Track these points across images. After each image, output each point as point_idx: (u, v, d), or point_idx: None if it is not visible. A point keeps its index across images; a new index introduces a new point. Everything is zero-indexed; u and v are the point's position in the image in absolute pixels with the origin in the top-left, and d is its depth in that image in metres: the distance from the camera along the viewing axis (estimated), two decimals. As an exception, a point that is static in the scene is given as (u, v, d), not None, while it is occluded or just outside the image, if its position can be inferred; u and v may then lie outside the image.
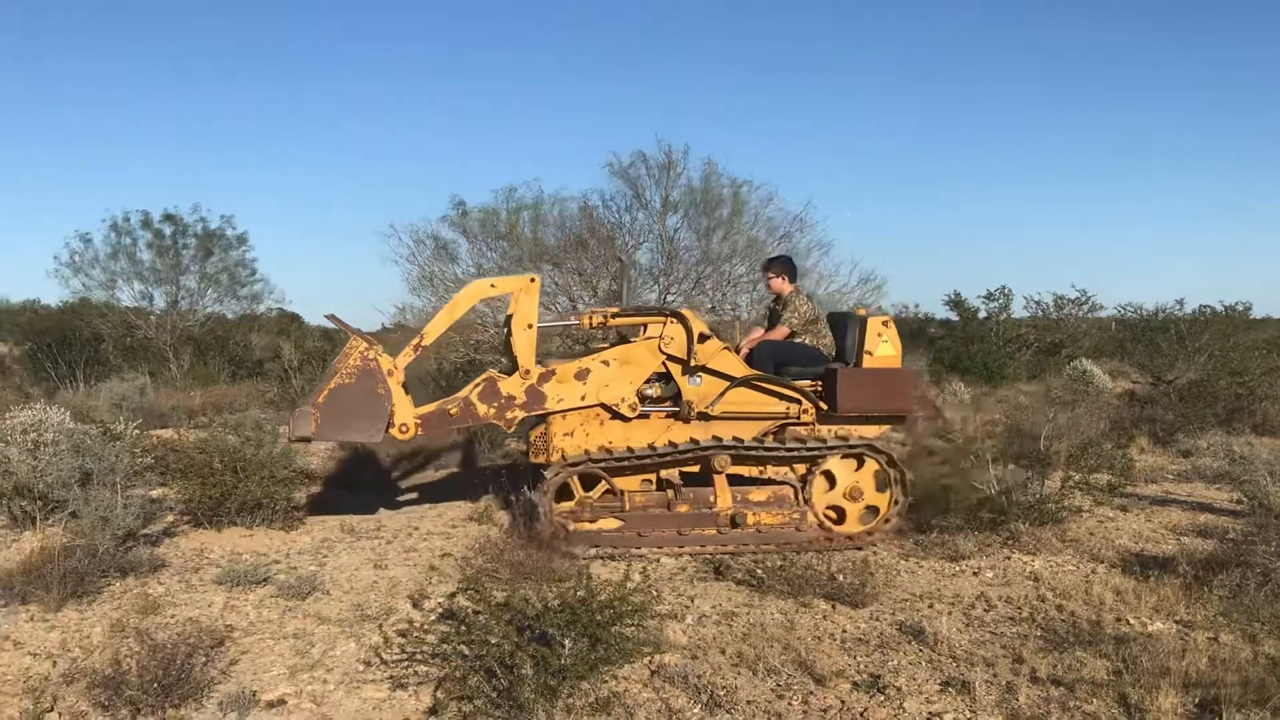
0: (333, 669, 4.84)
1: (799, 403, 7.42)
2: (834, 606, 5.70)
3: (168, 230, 23.36)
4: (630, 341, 7.48)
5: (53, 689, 4.64)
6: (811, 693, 4.48)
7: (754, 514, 7.12)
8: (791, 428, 7.44)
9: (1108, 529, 7.53)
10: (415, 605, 5.82)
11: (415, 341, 7.13)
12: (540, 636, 4.28)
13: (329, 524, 7.80)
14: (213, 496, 7.32)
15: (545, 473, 7.00)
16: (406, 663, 4.87)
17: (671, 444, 7.12)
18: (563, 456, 7.11)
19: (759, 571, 6.27)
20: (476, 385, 7.17)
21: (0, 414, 11.39)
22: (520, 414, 7.20)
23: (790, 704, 4.37)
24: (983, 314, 24.43)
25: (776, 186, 19.80)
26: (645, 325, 7.42)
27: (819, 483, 7.32)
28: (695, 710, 4.32)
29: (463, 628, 4.83)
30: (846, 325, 7.81)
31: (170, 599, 5.90)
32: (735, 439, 7.19)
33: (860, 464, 7.36)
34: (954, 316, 25.13)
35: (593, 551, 6.77)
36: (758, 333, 8.22)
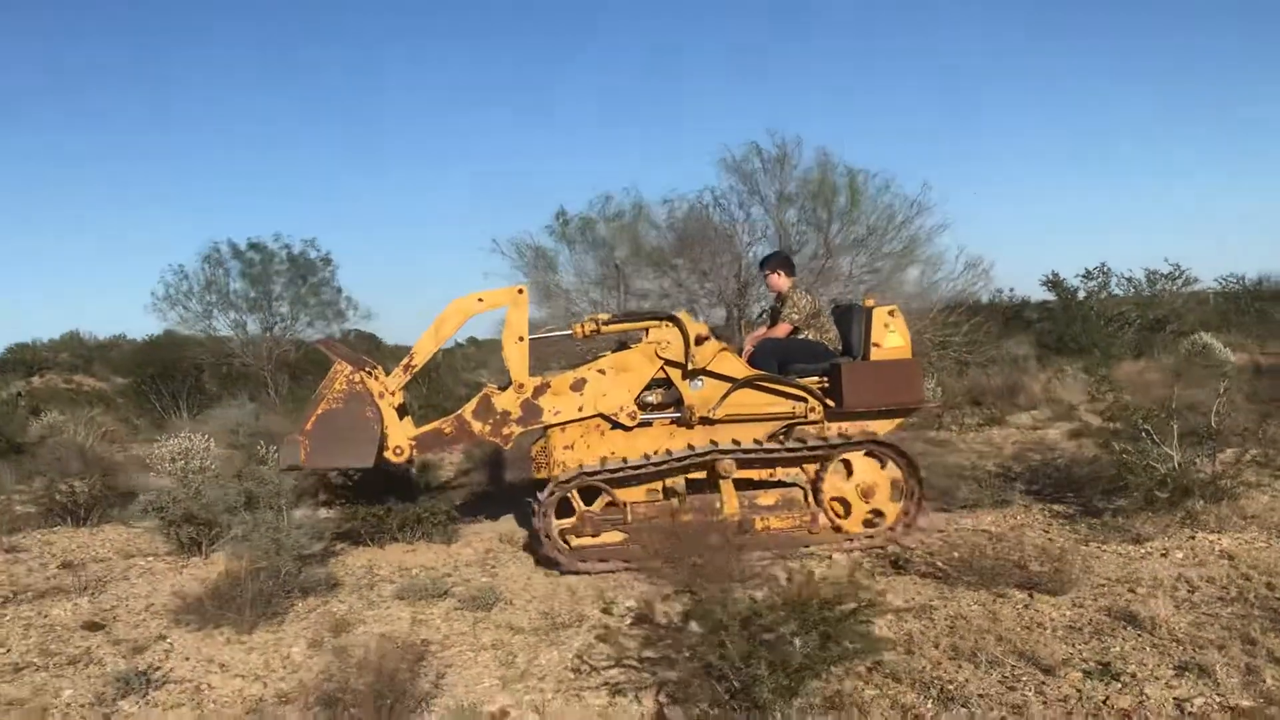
0: (544, 678, 4.82)
1: (805, 401, 7.19)
2: (1031, 595, 5.54)
3: (256, 258, 23.84)
4: (628, 348, 7.30)
5: (270, 709, 4.69)
6: (1043, 683, 4.34)
7: (762, 519, 6.90)
8: (800, 427, 7.21)
9: (1283, 503, 7.27)
10: (605, 611, 5.79)
11: (406, 361, 7.05)
12: (764, 638, 4.21)
13: (485, 535, 7.83)
14: (376, 514, 7.38)
15: (543, 489, 6.80)
16: (616, 669, 4.84)
17: (669, 452, 6.91)
18: (564, 469, 6.96)
19: (939, 563, 6.14)
20: (473, 403, 7.06)
21: (119, 447, 11.66)
22: (517, 429, 7.07)
23: (1024, 695, 4.24)
24: (1081, 294, 23.97)
25: (893, 174, 19.29)
26: (644, 331, 7.22)
27: (831, 479, 7.06)
28: (928, 706, 4.22)
29: (673, 633, 4.77)
30: (852, 317, 7.63)
31: (357, 616, 5.94)
32: (734, 441, 6.97)
33: (867, 462, 7.12)
34: (1051, 297, 24.63)
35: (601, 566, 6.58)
36: (760, 331, 8.05)
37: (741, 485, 7.08)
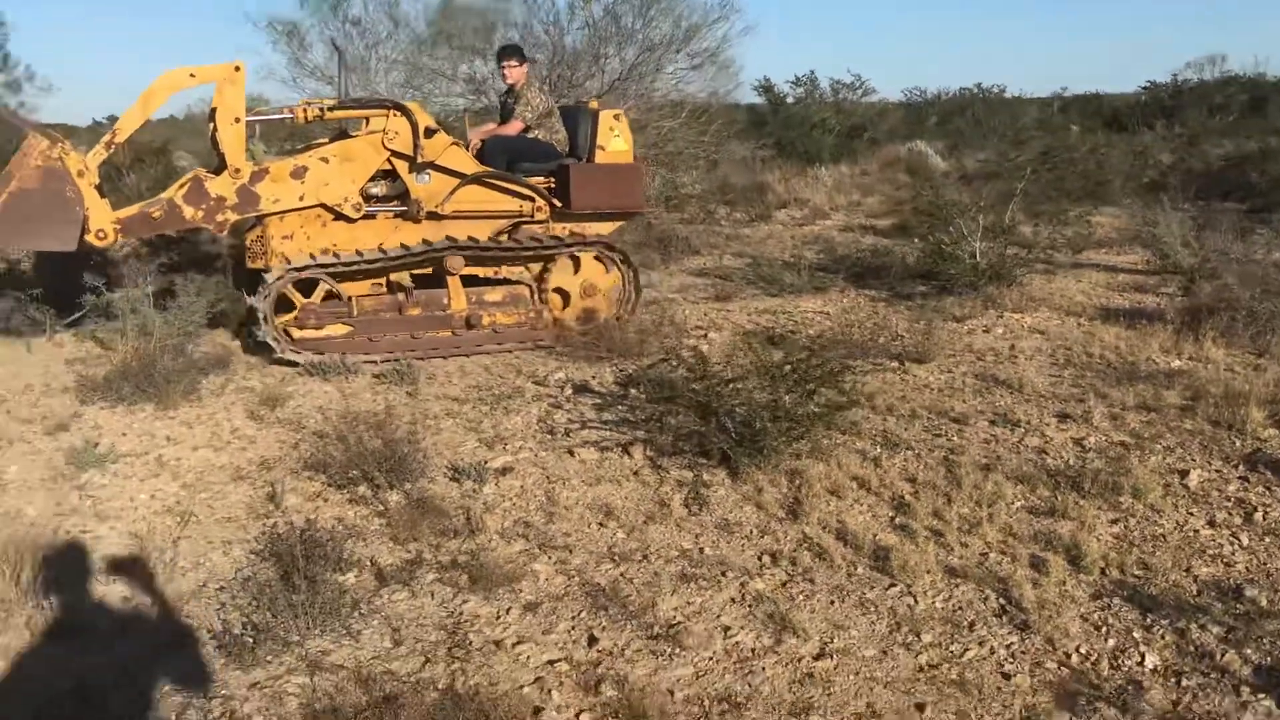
0: (522, 439, 5.16)
1: (532, 200, 7.23)
2: (903, 364, 6.39)
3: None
4: (351, 136, 7.01)
5: (250, 474, 4.77)
6: (960, 430, 5.18)
7: (489, 314, 7.03)
8: (525, 226, 7.30)
9: (1056, 288, 8.57)
10: (538, 383, 6.14)
11: (107, 138, 6.44)
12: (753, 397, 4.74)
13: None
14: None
15: (265, 278, 6.51)
16: (585, 430, 5.25)
17: (404, 246, 6.82)
18: (284, 260, 6.65)
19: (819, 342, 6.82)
20: (181, 186, 6.55)
21: None
22: (232, 216, 6.66)
23: (952, 439, 5.06)
24: (790, 100, 25.34)
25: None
26: (367, 119, 6.92)
27: (556, 275, 7.28)
28: (875, 450, 4.94)
29: (618, 400, 5.22)
30: (579, 119, 7.60)
31: (279, 391, 5.94)
32: (470, 239, 7.01)
33: (593, 263, 7.40)
34: (760, 102, 25.84)
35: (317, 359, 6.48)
36: (489, 126, 7.82)
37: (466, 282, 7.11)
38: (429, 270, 7.02)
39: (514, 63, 7.66)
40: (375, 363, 6.53)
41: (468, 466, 4.70)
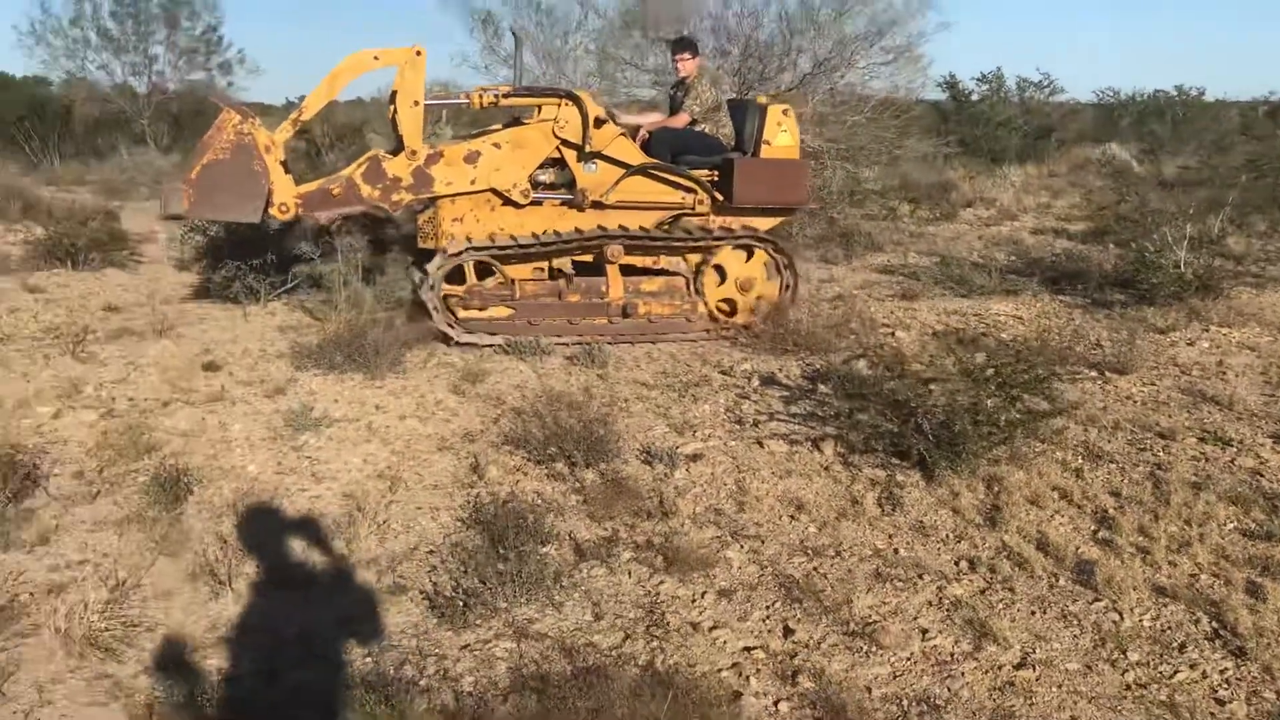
0: (711, 428, 5.22)
1: (695, 193, 7.25)
2: (1103, 374, 6.18)
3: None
4: (523, 124, 7.12)
5: (455, 445, 4.97)
6: (1167, 445, 4.99)
7: (645, 304, 7.10)
8: (686, 218, 7.32)
9: (1266, 303, 8.11)
10: (724, 373, 6.20)
11: (294, 116, 6.74)
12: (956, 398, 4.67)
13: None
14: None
15: (435, 258, 6.76)
16: (770, 421, 5.28)
17: (558, 233, 6.95)
18: (453, 241, 6.84)
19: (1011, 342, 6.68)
20: (360, 165, 6.81)
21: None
22: (407, 197, 6.89)
23: (1158, 454, 4.87)
24: (975, 97, 24.64)
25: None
26: (539, 107, 7.04)
27: (711, 275, 7.25)
28: (1077, 461, 4.80)
29: (805, 393, 5.21)
30: (746, 113, 7.59)
31: (477, 368, 6.15)
32: (623, 228, 7.05)
33: (750, 255, 7.33)
34: (943, 99, 25.20)
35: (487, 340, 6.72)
36: (656, 117, 7.97)
37: (626, 270, 7.20)
38: (589, 258, 7.16)
39: (687, 55, 7.71)
40: (566, 345, 6.69)
41: (660, 450, 4.79)
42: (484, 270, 6.91)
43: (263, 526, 4.09)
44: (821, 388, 5.73)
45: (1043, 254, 10.23)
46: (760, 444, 4.98)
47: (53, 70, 23.23)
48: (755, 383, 5.96)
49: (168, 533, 3.97)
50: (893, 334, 7.13)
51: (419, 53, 6.70)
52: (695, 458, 4.82)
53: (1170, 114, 24.37)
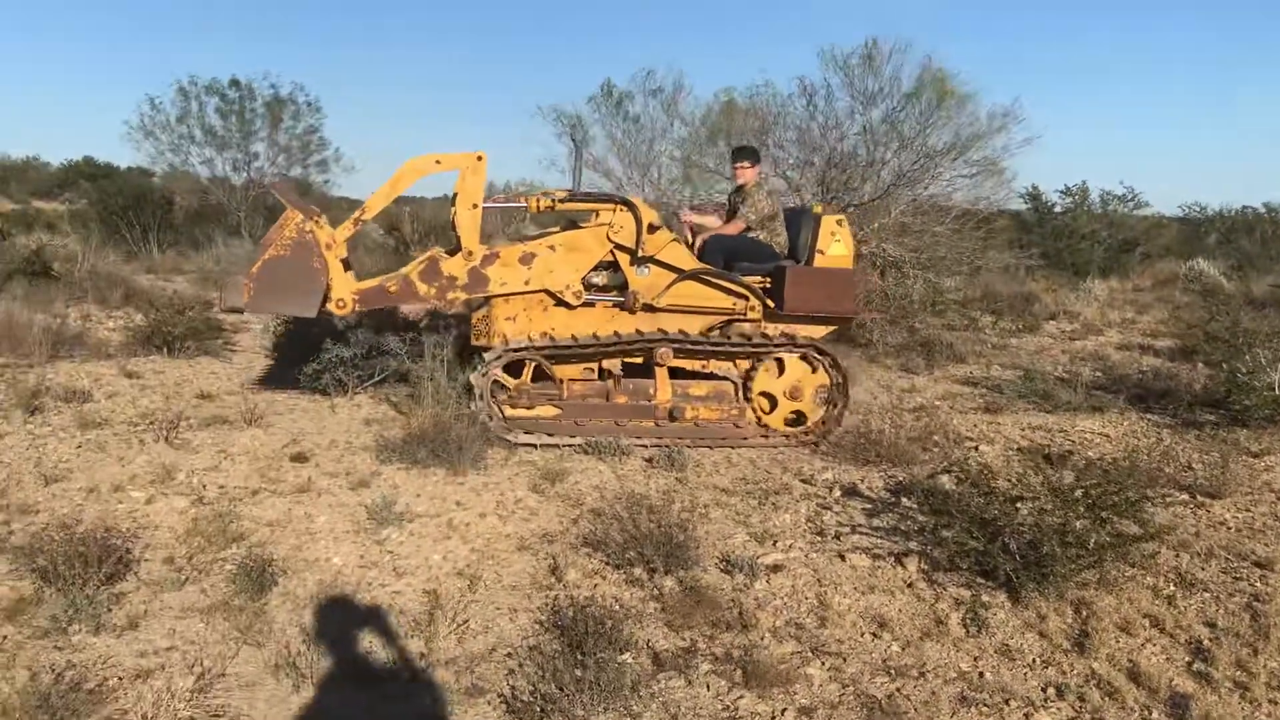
0: (791, 538, 5.17)
1: (746, 299, 7.31)
2: (1194, 497, 6.03)
3: (235, 95, 23.18)
4: (579, 227, 7.28)
5: (534, 545, 4.98)
6: (1265, 576, 4.82)
7: (693, 408, 7.15)
8: (737, 324, 7.36)
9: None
10: (805, 481, 6.16)
11: (356, 215, 6.92)
12: (1045, 519, 4.58)
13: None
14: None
15: (485, 355, 6.90)
16: (852, 534, 5.21)
17: (617, 334, 7.03)
18: (504, 340, 7.01)
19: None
20: (419, 264, 6.98)
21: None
22: (462, 295, 7.05)
23: (1255, 585, 4.71)
24: (1058, 209, 24.52)
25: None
26: (596, 212, 7.21)
27: (762, 375, 7.27)
28: (1169, 588, 4.67)
29: (889, 506, 5.14)
30: (801, 221, 7.68)
31: (558, 467, 6.19)
32: (681, 332, 7.14)
33: (801, 364, 7.32)
34: (1026, 210, 25.09)
35: (527, 438, 6.76)
36: (713, 220, 8.00)
37: (675, 374, 7.28)
38: (639, 360, 7.23)
39: (747, 164, 7.83)
40: (645, 446, 6.72)
41: (740, 560, 4.75)
42: (537, 374, 7.01)
43: (344, 620, 4.12)
44: (905, 501, 5.68)
45: (1129, 370, 10.09)
46: (842, 557, 4.92)
47: (158, 163, 24.25)
48: (837, 493, 5.92)
49: (252, 622, 4.03)
50: (976, 448, 7.04)
51: (480, 158, 6.93)
52: (776, 569, 4.77)
53: (1260, 230, 24.00)
